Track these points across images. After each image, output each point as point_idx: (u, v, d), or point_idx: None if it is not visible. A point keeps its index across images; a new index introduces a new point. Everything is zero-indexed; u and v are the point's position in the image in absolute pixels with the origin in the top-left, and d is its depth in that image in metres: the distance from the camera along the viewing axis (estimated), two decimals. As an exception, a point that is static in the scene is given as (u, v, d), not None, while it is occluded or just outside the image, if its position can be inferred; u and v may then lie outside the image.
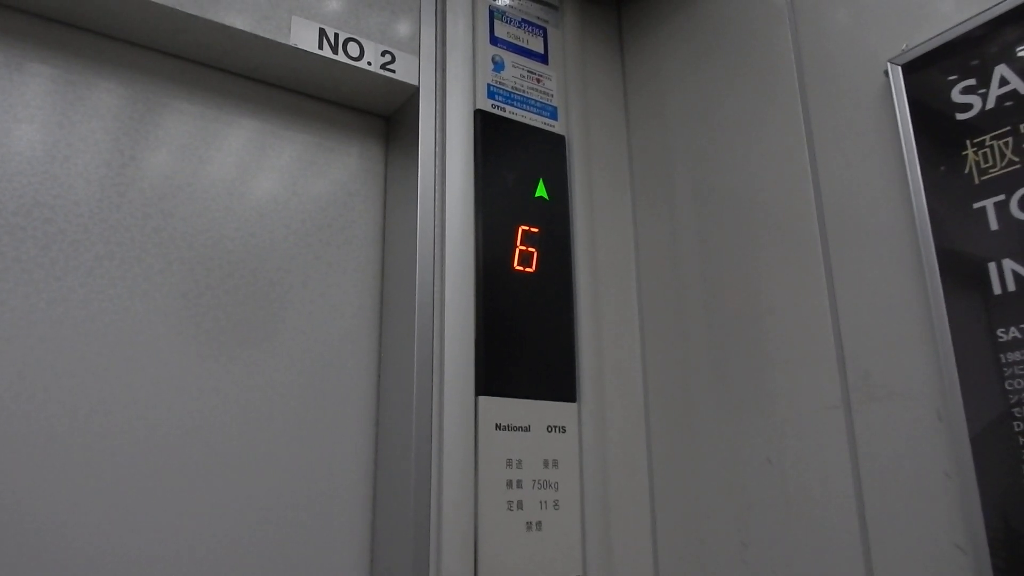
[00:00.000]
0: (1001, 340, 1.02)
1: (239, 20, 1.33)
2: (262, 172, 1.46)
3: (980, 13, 1.10)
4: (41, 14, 1.29)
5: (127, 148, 1.33)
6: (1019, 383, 0.99)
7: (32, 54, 1.28)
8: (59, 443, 1.16)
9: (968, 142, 1.09)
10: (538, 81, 1.65)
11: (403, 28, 1.53)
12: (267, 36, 1.36)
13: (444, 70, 1.53)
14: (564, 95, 1.68)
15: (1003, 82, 1.06)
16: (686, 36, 1.66)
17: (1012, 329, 1.01)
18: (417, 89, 1.51)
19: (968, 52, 1.11)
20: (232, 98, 1.46)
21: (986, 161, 1.06)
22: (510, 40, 1.64)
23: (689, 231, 1.57)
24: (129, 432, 1.22)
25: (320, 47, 1.41)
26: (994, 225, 1.04)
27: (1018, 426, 0.98)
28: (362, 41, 1.46)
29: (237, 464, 1.30)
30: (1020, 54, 1.05)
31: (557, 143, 1.63)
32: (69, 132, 1.28)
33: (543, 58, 1.69)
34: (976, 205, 1.07)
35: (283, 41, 1.37)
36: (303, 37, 1.39)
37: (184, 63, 1.42)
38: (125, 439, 1.22)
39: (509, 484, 1.35)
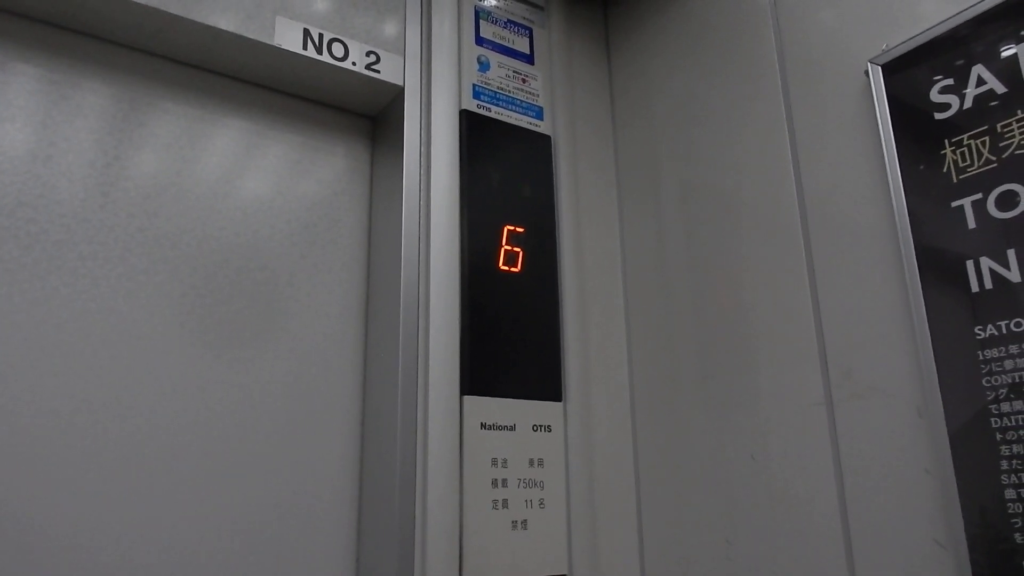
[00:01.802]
0: (979, 337, 1.03)
1: (223, 20, 1.33)
2: (247, 172, 1.46)
3: (958, 13, 1.11)
4: (24, 14, 1.29)
5: (111, 148, 1.32)
6: (997, 380, 1.00)
7: (15, 53, 1.27)
8: (42, 443, 1.16)
9: (946, 141, 1.10)
10: (524, 81, 1.66)
11: (388, 28, 1.53)
12: (251, 36, 1.36)
13: (429, 70, 1.54)
14: (550, 95, 1.69)
15: (980, 82, 1.07)
16: (672, 36, 1.66)
17: (990, 326, 1.02)
18: (402, 89, 1.51)
19: (946, 52, 1.12)
20: (217, 98, 1.46)
21: (964, 160, 1.07)
22: (496, 40, 1.64)
23: (675, 230, 1.57)
24: (113, 432, 1.22)
25: (304, 47, 1.41)
26: (972, 223, 1.05)
27: (996, 422, 0.99)
28: (347, 41, 1.46)
29: (222, 463, 1.30)
30: (997, 54, 1.06)
31: (543, 143, 1.63)
32: (52, 132, 1.28)
33: (529, 58, 1.69)
34: (954, 204, 1.08)
35: (267, 41, 1.37)
36: (287, 37, 1.39)
37: (168, 63, 1.42)
38: (109, 439, 1.21)
39: (494, 483, 1.36)
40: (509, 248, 1.50)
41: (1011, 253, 1.01)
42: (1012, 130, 1.02)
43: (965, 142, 1.08)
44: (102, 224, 1.29)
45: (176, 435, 1.27)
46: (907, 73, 1.16)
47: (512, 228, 1.52)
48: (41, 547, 1.13)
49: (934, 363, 1.07)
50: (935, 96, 1.12)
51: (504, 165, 1.55)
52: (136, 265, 1.30)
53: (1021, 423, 0.97)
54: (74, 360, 1.21)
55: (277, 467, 1.35)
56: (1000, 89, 1.05)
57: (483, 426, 1.38)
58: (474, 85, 1.57)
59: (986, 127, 1.05)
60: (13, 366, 1.17)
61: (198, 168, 1.41)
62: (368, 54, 1.48)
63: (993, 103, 1.05)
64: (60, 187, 1.26)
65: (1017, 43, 1.04)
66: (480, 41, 1.62)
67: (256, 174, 1.47)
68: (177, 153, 1.39)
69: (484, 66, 1.60)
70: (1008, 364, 0.99)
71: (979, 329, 1.03)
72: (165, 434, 1.26)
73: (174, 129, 1.40)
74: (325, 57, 1.43)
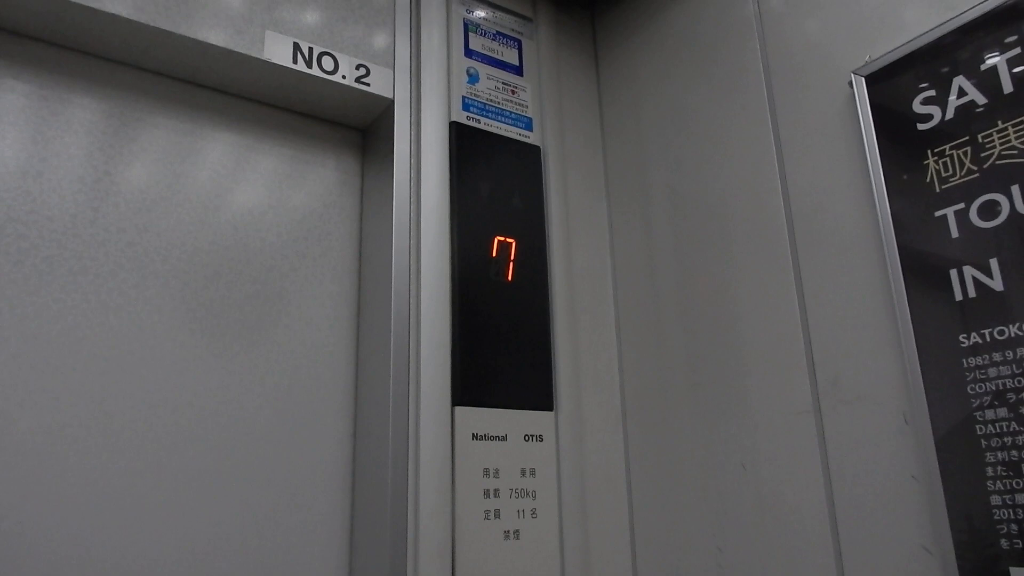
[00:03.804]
0: (963, 345, 1.04)
1: (213, 35, 1.34)
2: (238, 185, 1.47)
3: (939, 25, 1.12)
4: (14, 30, 1.29)
5: (101, 163, 1.33)
6: (981, 387, 1.01)
7: (5, 70, 1.28)
8: (34, 457, 1.16)
9: (929, 151, 1.11)
10: (513, 93, 1.67)
11: (378, 41, 1.54)
12: (241, 51, 1.36)
13: (419, 83, 1.54)
14: (539, 106, 1.70)
15: (961, 93, 1.08)
16: (659, 47, 1.68)
17: (974, 335, 1.03)
18: (392, 102, 1.52)
19: (928, 64, 1.13)
20: (207, 112, 1.46)
21: (946, 170, 1.09)
22: (485, 52, 1.66)
23: (664, 238, 1.58)
24: (104, 446, 1.22)
25: (294, 61, 1.41)
26: (955, 233, 1.07)
27: (981, 429, 1.01)
28: (336, 55, 1.47)
29: (213, 475, 1.30)
30: (978, 65, 1.07)
31: (532, 153, 1.64)
32: (43, 148, 1.28)
33: (518, 70, 1.70)
34: (938, 213, 1.09)
35: (257, 56, 1.38)
36: (277, 52, 1.40)
37: (159, 78, 1.42)
38: (100, 452, 1.21)
39: (486, 493, 1.36)
40: (499, 258, 1.51)
41: (994, 262, 1.02)
42: (993, 140, 1.04)
43: (947, 152, 1.09)
44: (93, 239, 1.29)
45: (167, 448, 1.27)
46: (890, 84, 1.18)
47: (502, 239, 1.52)
48: (33, 554, 1.13)
49: (920, 371, 1.08)
50: (918, 107, 1.14)
51: (494, 176, 1.56)
52: (127, 280, 1.30)
53: (1005, 430, 0.98)
54: (65, 375, 1.21)
55: (269, 479, 1.35)
56: (981, 100, 1.06)
57: (475, 436, 1.38)
58: (463, 97, 1.58)
59: (967, 137, 1.07)
60: (4, 382, 1.17)
61: (188, 182, 1.41)
62: (358, 67, 1.49)
63: (972, 113, 1.07)
64: (51, 203, 1.26)
65: (999, 53, 1.05)
66: (469, 53, 1.63)
67: (246, 187, 1.48)
68: (167, 167, 1.39)
69: (473, 78, 1.61)
70: (992, 372, 1.00)
71: (963, 337, 1.04)
72: (156, 448, 1.26)
73: (164, 144, 1.40)
74: (315, 71, 1.44)
